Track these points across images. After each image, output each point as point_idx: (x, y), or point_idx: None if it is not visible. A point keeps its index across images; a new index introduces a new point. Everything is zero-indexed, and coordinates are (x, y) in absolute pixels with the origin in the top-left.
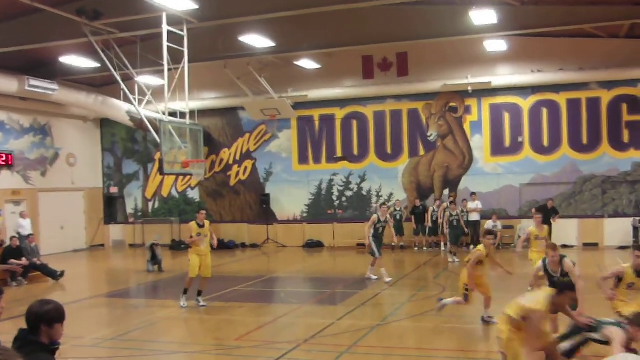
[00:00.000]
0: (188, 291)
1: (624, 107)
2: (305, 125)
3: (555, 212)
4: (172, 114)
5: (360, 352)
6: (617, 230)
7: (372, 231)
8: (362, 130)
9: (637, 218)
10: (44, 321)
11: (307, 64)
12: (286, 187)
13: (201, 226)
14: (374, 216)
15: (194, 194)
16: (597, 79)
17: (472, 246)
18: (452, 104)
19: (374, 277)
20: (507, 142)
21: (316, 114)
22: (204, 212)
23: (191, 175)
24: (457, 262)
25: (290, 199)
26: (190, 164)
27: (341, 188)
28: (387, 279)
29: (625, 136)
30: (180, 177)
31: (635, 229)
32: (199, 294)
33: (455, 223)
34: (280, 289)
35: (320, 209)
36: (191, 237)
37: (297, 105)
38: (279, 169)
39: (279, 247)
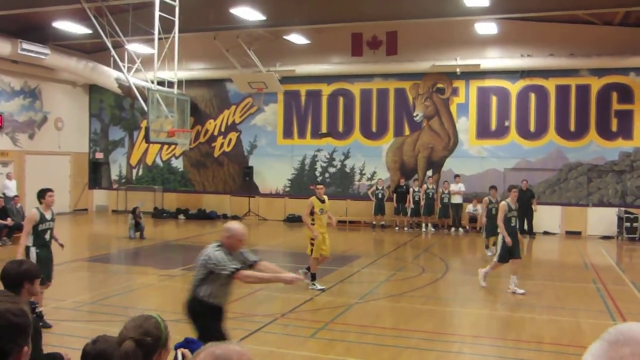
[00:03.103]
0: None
1: (614, 95)
2: (292, 100)
3: (532, 195)
4: (160, 83)
5: (336, 329)
6: (601, 219)
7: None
8: (348, 108)
9: (622, 208)
10: (26, 278)
11: (296, 38)
12: (270, 160)
13: (322, 201)
14: (503, 204)
15: (178, 163)
16: (588, 66)
17: (453, 228)
18: (439, 85)
19: (483, 283)
20: (493, 125)
21: (303, 89)
22: (322, 186)
23: (176, 144)
24: (490, 255)
25: (273, 172)
26: (175, 133)
27: (324, 164)
28: (517, 290)
29: (614, 125)
30: (165, 146)
31: (620, 219)
32: (314, 277)
33: (493, 212)
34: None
35: (303, 184)
36: (312, 222)
37: (284, 80)
38: (263, 142)
39: (260, 220)
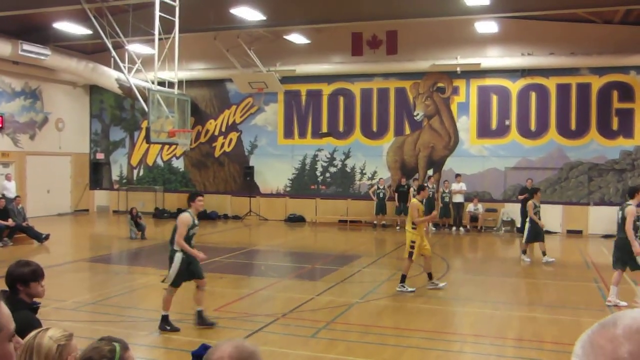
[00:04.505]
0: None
1: (615, 94)
2: (292, 100)
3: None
4: (161, 83)
5: (338, 328)
6: (602, 218)
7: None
8: (348, 107)
9: None
10: (19, 281)
11: (296, 38)
12: (270, 160)
13: (423, 204)
14: (632, 208)
15: (179, 164)
16: (589, 65)
17: (454, 228)
18: (440, 84)
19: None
20: (494, 124)
21: (303, 89)
22: (426, 187)
23: (177, 144)
24: (528, 262)
25: (274, 172)
26: (176, 133)
27: (325, 164)
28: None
29: (615, 124)
30: (166, 146)
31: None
32: (431, 276)
33: (538, 217)
34: (261, 262)
35: (304, 183)
36: (413, 226)
37: (284, 80)
38: (264, 142)
39: (261, 220)
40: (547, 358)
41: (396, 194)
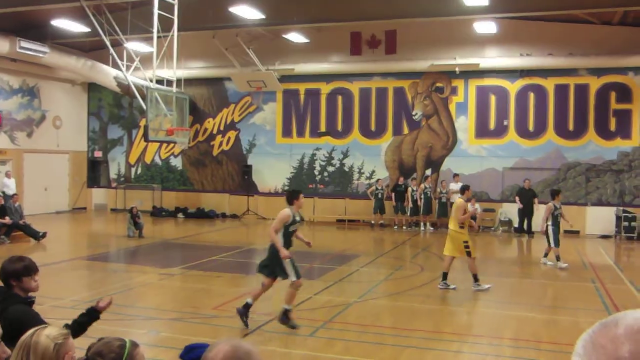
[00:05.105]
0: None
1: (613, 95)
2: (291, 99)
3: (533, 194)
4: (159, 81)
5: (335, 328)
6: (599, 218)
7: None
8: (347, 107)
9: (621, 207)
10: (12, 276)
11: (295, 37)
12: (268, 159)
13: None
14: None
15: (177, 162)
16: (587, 66)
17: None
18: (438, 84)
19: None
20: (492, 125)
21: (302, 88)
22: (470, 188)
23: (175, 143)
24: (566, 266)
25: (272, 171)
26: (174, 131)
27: (323, 163)
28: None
29: (612, 124)
30: (164, 145)
31: (618, 218)
32: (446, 277)
33: (559, 219)
34: (259, 260)
35: (302, 182)
36: (461, 226)
37: (283, 79)
38: (262, 141)
39: (259, 219)
40: (544, 358)
41: (393, 194)
